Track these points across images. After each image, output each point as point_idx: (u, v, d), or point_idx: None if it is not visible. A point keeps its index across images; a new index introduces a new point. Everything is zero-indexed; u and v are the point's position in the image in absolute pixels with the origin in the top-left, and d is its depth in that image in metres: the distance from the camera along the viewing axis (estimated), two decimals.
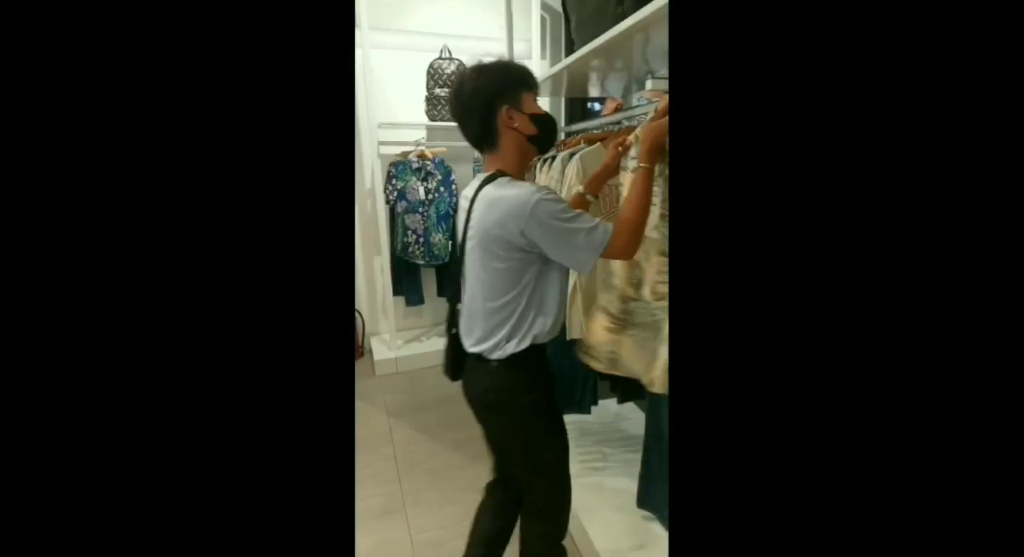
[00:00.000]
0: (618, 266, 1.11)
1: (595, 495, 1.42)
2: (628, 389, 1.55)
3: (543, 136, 0.90)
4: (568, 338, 1.36)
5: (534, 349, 0.89)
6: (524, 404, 0.91)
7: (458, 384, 1.00)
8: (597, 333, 1.17)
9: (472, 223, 0.87)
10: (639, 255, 0.98)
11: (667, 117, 0.90)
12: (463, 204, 0.93)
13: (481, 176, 0.92)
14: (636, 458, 1.55)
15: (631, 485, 1.40)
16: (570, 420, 1.70)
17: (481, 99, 0.85)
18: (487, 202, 0.84)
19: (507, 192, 0.82)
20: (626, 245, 0.84)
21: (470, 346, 0.92)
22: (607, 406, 1.78)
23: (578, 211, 0.83)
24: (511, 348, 0.87)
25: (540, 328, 0.88)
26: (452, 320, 0.98)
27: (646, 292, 1.04)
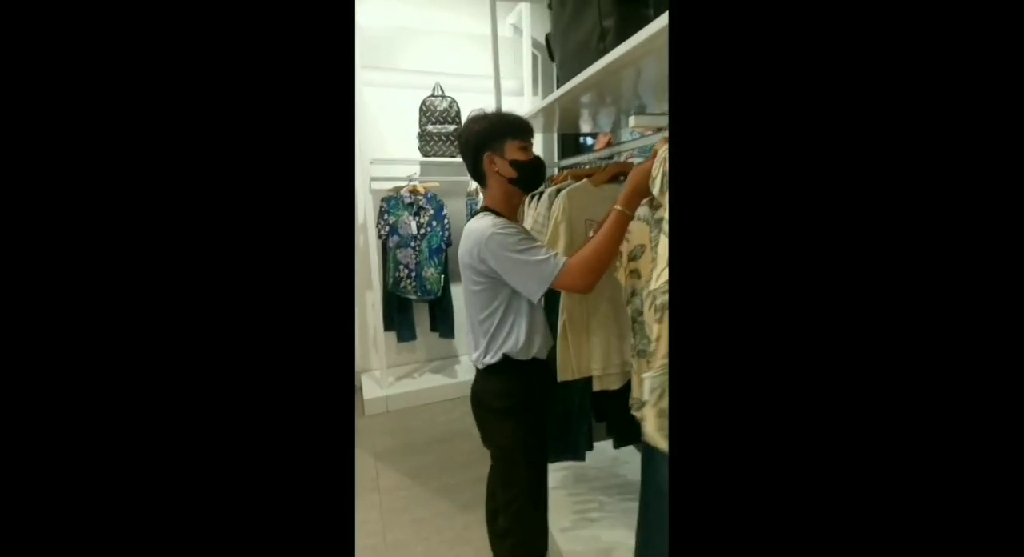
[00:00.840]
0: (645, 308, 1.07)
1: (591, 548, 1.33)
2: (624, 432, 1.46)
3: (523, 179, 1.01)
4: (560, 379, 1.29)
5: (508, 361, 1.02)
6: (496, 407, 1.04)
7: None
8: (638, 374, 1.13)
9: (459, 251, 1.03)
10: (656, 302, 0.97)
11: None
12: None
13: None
14: (635, 507, 1.46)
15: (628, 537, 1.30)
16: (565, 466, 1.62)
17: (472, 146, 1.00)
18: (465, 233, 1.01)
19: (476, 225, 0.97)
20: (577, 280, 0.91)
21: (472, 354, 1.08)
22: (603, 449, 1.69)
23: (536, 244, 0.94)
24: (488, 359, 1.03)
25: (511, 345, 1.01)
26: None
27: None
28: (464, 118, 2.48)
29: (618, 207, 0.91)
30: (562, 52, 1.14)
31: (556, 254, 0.93)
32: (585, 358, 1.28)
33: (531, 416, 1.07)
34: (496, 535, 1.12)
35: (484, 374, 1.06)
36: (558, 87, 1.20)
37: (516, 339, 1.00)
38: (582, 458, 1.43)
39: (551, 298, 1.32)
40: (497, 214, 1.00)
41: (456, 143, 1.06)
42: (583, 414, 1.44)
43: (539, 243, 0.95)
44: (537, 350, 1.05)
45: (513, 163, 0.98)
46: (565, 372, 1.29)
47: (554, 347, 1.20)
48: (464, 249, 0.99)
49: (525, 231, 0.98)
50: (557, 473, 1.66)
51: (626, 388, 1.30)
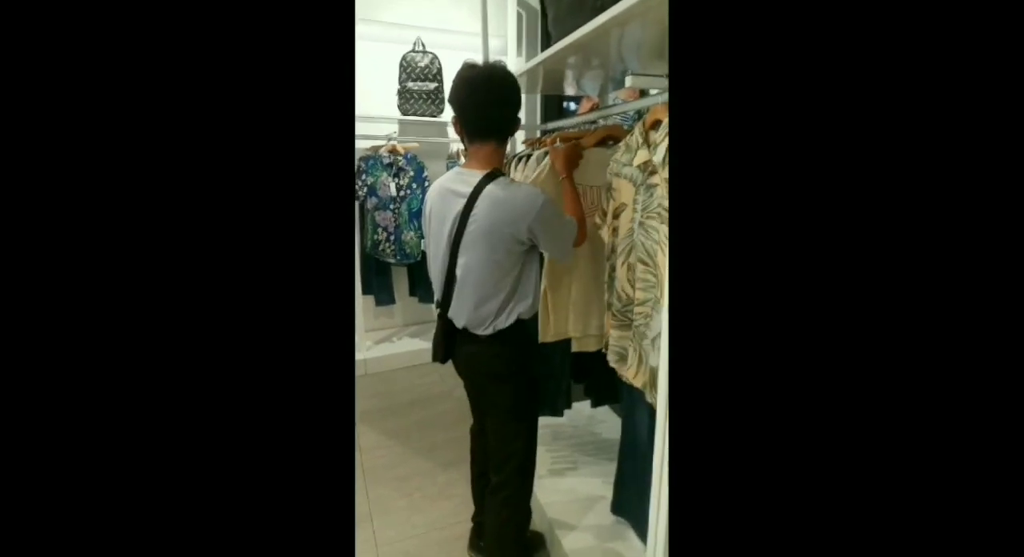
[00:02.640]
0: (618, 264, 1.10)
1: (568, 499, 1.40)
2: (603, 393, 1.52)
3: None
4: (540, 340, 1.32)
5: (520, 324, 1.02)
6: (502, 372, 1.04)
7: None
8: (609, 327, 1.17)
9: (474, 217, 0.94)
10: (630, 258, 1.06)
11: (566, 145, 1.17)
12: (447, 197, 0.99)
13: (464, 171, 0.99)
14: (609, 464, 1.54)
15: (604, 490, 1.38)
16: (543, 423, 1.67)
17: (519, 97, 0.98)
18: (493, 200, 0.93)
19: (515, 193, 0.93)
20: (581, 237, 1.08)
21: (463, 325, 1.02)
22: (580, 409, 1.76)
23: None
24: (500, 322, 1.00)
25: (524, 306, 1.01)
26: (445, 304, 1.05)
27: (636, 295, 1.02)
28: (446, 76, 2.41)
29: (563, 176, 1.14)
30: (556, 9, 1.11)
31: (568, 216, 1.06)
32: (563, 321, 1.31)
33: (531, 375, 1.10)
34: (489, 492, 1.14)
35: (490, 340, 1.01)
36: (545, 47, 1.17)
37: (529, 300, 1.02)
38: (560, 414, 1.48)
39: None
40: (509, 178, 1.00)
41: (467, 95, 0.95)
42: (562, 373, 1.49)
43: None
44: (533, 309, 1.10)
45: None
46: (546, 334, 1.32)
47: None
48: (504, 218, 0.92)
49: None
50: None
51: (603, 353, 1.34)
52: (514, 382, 1.05)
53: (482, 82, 0.94)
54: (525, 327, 1.04)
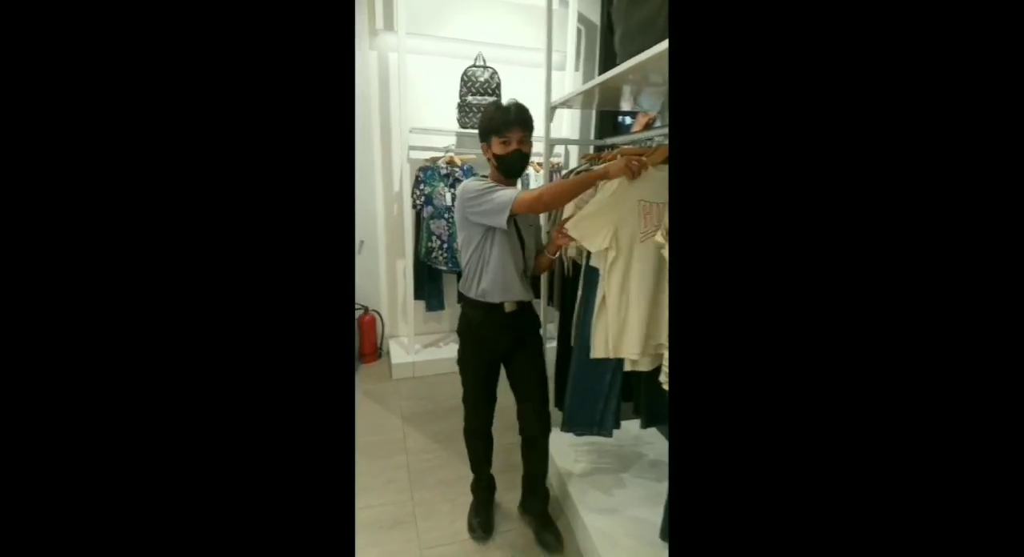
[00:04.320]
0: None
1: (613, 522, 1.37)
2: (653, 412, 1.49)
3: (501, 167, 1.29)
4: (592, 356, 1.32)
5: (463, 297, 1.39)
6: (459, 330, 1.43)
7: None
8: (667, 348, 1.17)
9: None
10: None
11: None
12: None
13: None
14: (657, 486, 1.50)
15: (650, 514, 1.35)
16: (589, 440, 1.66)
17: (479, 133, 1.31)
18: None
19: (463, 184, 1.31)
20: (522, 205, 1.19)
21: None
22: (627, 428, 1.73)
23: (499, 187, 1.24)
24: (460, 289, 1.41)
25: (471, 288, 1.34)
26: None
27: None
28: (505, 88, 2.46)
29: (596, 168, 1.21)
30: (624, 27, 1.11)
31: (513, 191, 1.23)
32: (616, 339, 1.29)
33: (477, 344, 1.39)
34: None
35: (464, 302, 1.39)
36: (604, 63, 1.18)
37: (475, 282, 1.33)
38: (609, 434, 1.46)
39: (575, 284, 1.34)
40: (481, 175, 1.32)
41: None
42: (612, 392, 1.47)
43: (502, 188, 1.24)
44: (494, 296, 1.32)
45: (495, 155, 1.27)
46: (598, 349, 1.31)
47: (521, 302, 1.38)
48: (457, 204, 1.31)
49: (496, 184, 1.27)
50: (581, 448, 1.71)
51: (657, 370, 1.32)
52: (461, 341, 1.41)
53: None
54: (469, 302, 1.36)
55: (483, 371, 1.42)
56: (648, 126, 2.14)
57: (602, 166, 1.26)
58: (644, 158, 1.26)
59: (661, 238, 1.17)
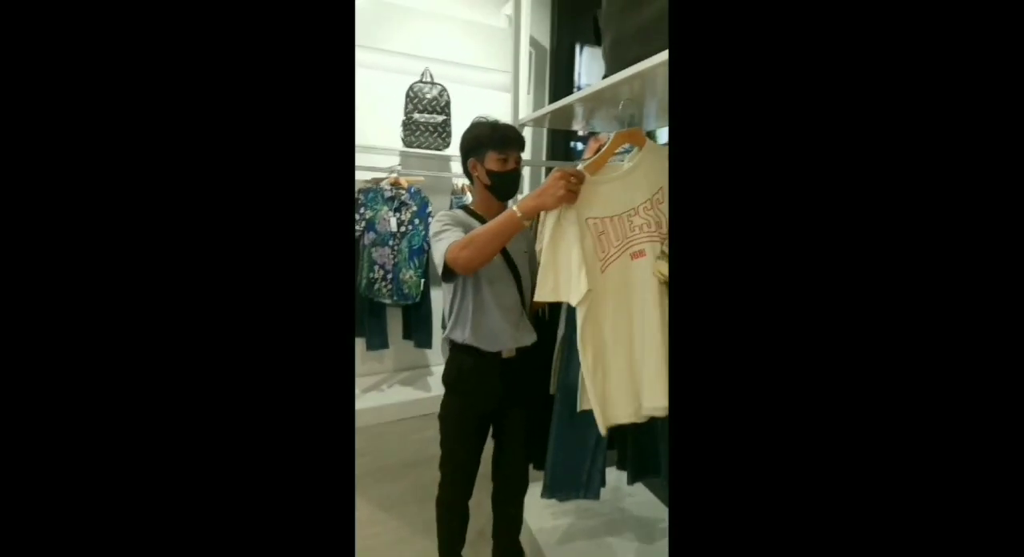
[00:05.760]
0: None
1: None
2: (642, 465, 1.33)
3: (496, 187, 1.12)
4: (579, 409, 1.13)
5: (451, 343, 1.18)
6: (447, 380, 1.19)
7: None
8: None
9: None
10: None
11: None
12: None
13: None
14: (646, 548, 1.33)
15: None
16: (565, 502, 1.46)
17: (463, 150, 1.14)
18: None
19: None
20: (452, 256, 0.98)
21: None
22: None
23: (453, 229, 1.05)
24: (447, 334, 1.18)
25: (457, 332, 1.14)
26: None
27: None
28: (453, 108, 2.30)
29: (514, 208, 0.97)
30: (616, 32, 0.98)
31: (455, 238, 1.01)
32: (602, 403, 1.09)
33: (465, 397, 1.17)
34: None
35: (451, 346, 1.18)
36: (554, 87, 1.05)
37: (463, 326, 1.12)
38: (596, 496, 1.27)
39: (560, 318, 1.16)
40: (473, 215, 1.15)
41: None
42: (599, 447, 1.28)
43: (458, 229, 1.06)
44: (486, 342, 1.12)
45: (489, 172, 1.10)
46: (585, 401, 1.12)
47: (521, 349, 1.18)
48: None
49: (459, 221, 1.10)
50: (558, 506, 1.50)
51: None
52: (448, 395, 1.20)
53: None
54: (458, 347, 1.16)
55: (470, 427, 1.18)
56: (599, 150, 2.05)
57: (532, 195, 0.98)
58: (579, 169, 1.08)
59: (653, 249, 1.01)
